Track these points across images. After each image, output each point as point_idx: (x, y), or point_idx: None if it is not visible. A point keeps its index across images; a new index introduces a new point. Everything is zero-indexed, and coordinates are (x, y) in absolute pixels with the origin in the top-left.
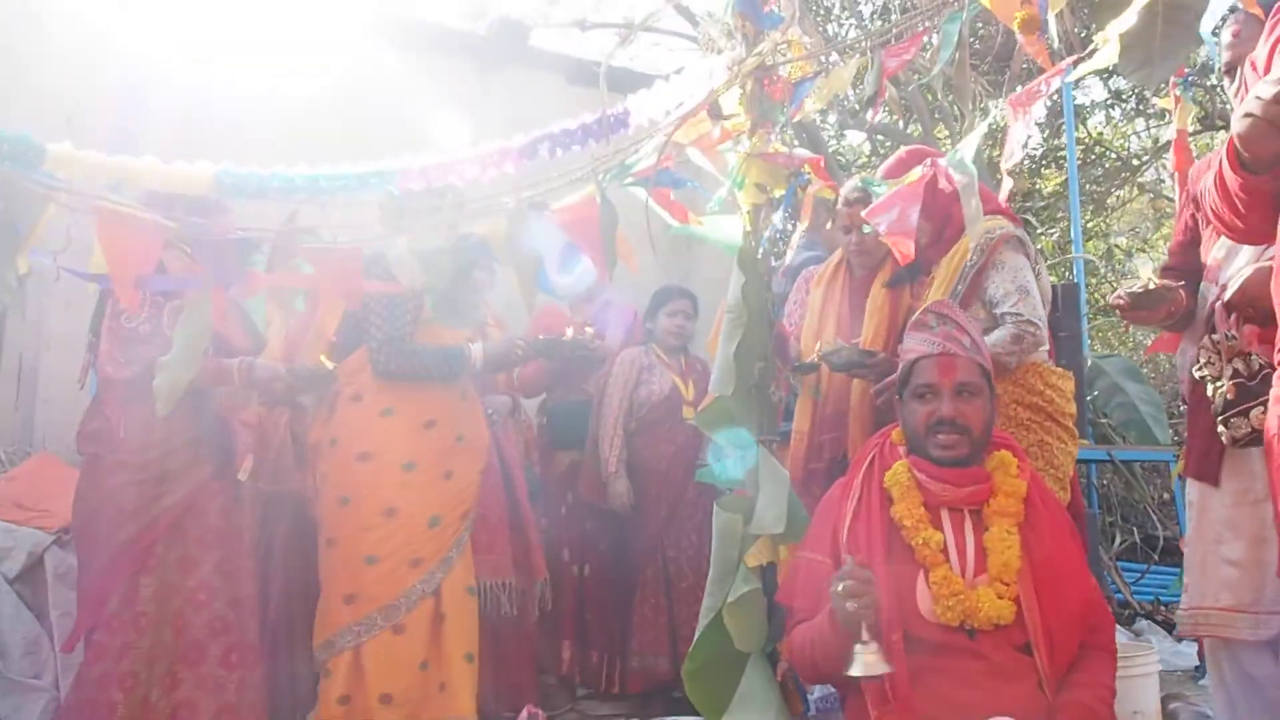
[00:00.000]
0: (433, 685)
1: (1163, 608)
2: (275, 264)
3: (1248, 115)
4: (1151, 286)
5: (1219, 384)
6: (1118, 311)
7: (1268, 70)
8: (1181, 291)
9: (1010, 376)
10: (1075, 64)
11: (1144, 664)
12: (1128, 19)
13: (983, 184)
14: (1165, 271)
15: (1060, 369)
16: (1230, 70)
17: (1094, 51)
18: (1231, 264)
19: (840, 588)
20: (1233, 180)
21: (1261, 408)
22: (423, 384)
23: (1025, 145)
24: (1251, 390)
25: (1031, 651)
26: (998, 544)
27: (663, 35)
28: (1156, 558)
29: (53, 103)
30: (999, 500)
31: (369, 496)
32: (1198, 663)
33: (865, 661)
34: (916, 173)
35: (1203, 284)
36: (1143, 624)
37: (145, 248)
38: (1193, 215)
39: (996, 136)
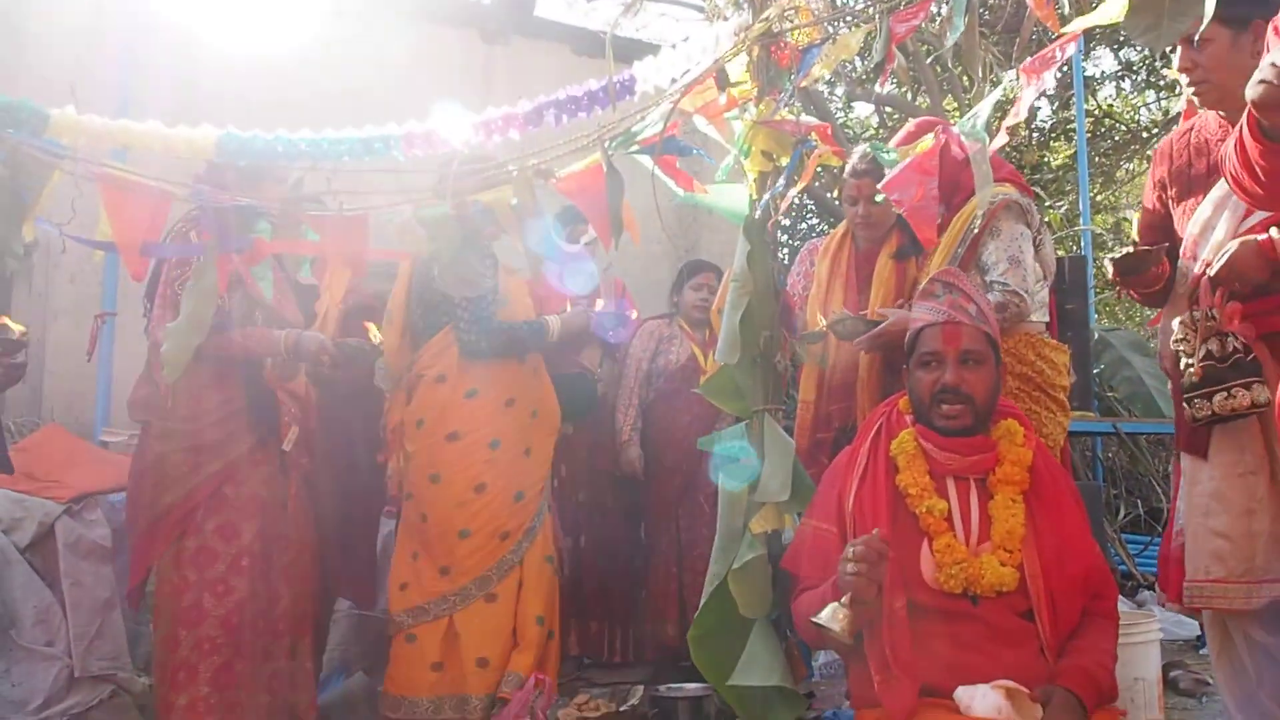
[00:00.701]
0: (512, 646)
1: None
2: (280, 231)
3: (1263, 82)
4: (1132, 250)
5: (1189, 362)
6: (1114, 283)
7: None
8: (1164, 254)
9: (1001, 345)
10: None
11: (1145, 632)
12: None
13: (994, 153)
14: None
15: (1054, 341)
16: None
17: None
18: (1207, 239)
19: (851, 552)
20: (1253, 148)
21: (1225, 393)
22: (502, 363)
23: (1032, 109)
24: (1219, 374)
25: (1034, 618)
26: (1002, 512)
27: (669, 5)
28: (1160, 530)
29: (55, 71)
30: (1004, 469)
31: (460, 474)
32: (1199, 632)
33: (833, 614)
34: (928, 141)
35: (1180, 261)
36: (1145, 594)
37: (150, 214)
38: (1159, 197)
39: (1008, 109)
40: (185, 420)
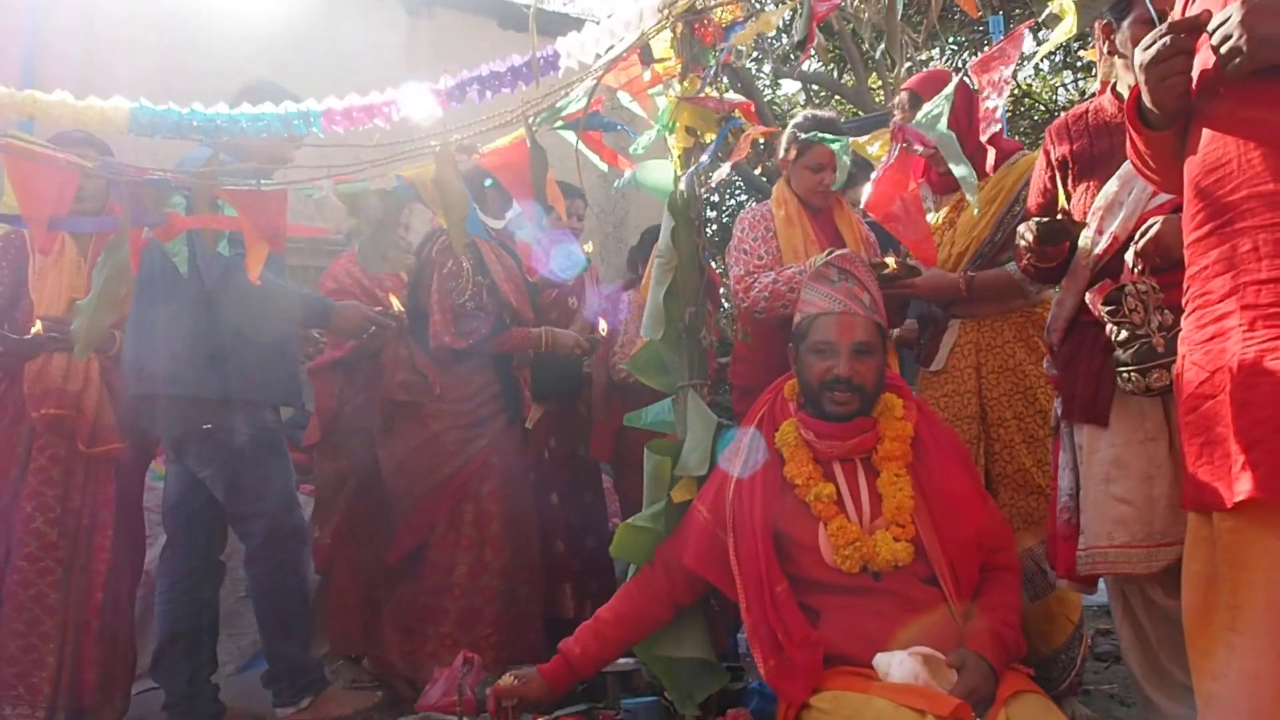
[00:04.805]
0: None
1: None
2: (195, 206)
3: (1146, 81)
4: (1059, 218)
5: (1140, 333)
6: (1025, 250)
7: None
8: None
9: (1029, 316)
10: (1033, 28)
11: None
12: None
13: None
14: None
15: None
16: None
17: (1051, 19)
18: (1115, 214)
19: None
20: (1137, 140)
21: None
22: None
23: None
24: (1171, 345)
25: (938, 582)
26: (889, 488)
27: None
28: None
29: None
30: (886, 445)
31: None
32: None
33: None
34: (883, 139)
35: (1087, 234)
36: None
37: (58, 188)
38: (1050, 178)
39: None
40: (456, 401)
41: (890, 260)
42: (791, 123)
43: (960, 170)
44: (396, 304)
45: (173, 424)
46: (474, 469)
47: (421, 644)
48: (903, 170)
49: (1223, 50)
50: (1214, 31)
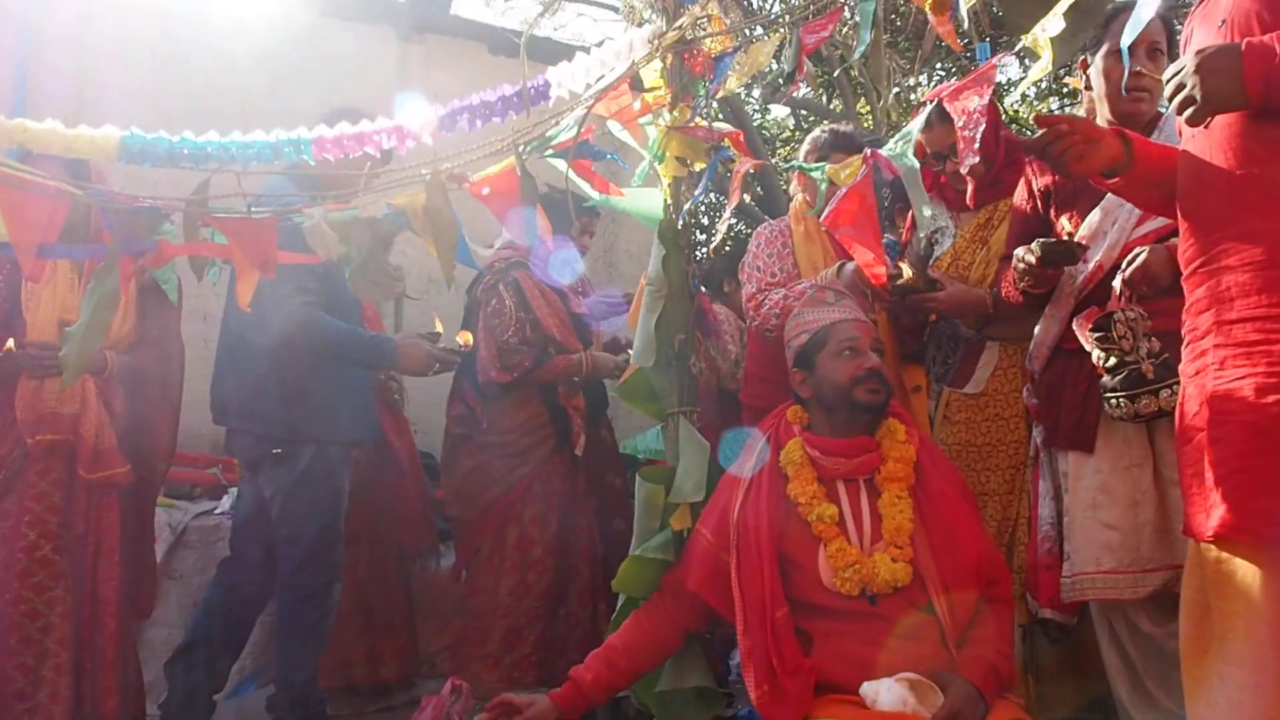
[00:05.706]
0: None
1: None
2: (186, 234)
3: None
4: (1067, 239)
5: (1129, 360)
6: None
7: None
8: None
9: None
10: (1014, 55)
11: None
12: (1055, 23)
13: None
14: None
15: None
16: None
17: (1026, 51)
18: (1099, 244)
19: None
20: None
21: (1169, 390)
22: None
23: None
24: (1160, 372)
25: (933, 610)
26: (890, 509)
27: (587, 5)
28: None
29: None
30: (889, 467)
31: None
32: None
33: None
34: (855, 164)
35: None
36: None
37: (48, 215)
38: (1033, 206)
39: (908, 105)
40: (502, 433)
41: (904, 268)
42: (809, 137)
43: (925, 212)
44: (469, 338)
45: (247, 449)
46: (516, 495)
47: (466, 662)
48: (866, 191)
49: (1177, 100)
50: (1170, 80)
